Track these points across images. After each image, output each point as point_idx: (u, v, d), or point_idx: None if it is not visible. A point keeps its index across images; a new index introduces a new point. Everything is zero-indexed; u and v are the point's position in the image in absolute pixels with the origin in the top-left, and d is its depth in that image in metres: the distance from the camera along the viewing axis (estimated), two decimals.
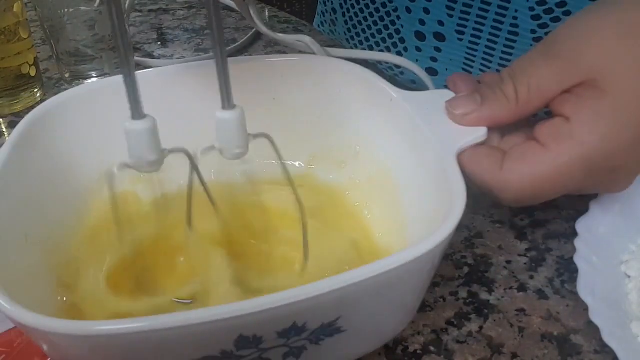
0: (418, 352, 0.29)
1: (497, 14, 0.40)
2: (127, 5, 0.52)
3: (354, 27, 0.52)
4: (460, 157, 0.29)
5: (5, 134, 0.48)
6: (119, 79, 0.34)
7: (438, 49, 0.45)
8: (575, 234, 0.32)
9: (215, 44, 0.25)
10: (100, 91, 0.34)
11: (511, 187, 0.29)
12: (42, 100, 0.48)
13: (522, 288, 0.33)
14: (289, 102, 0.36)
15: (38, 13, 0.50)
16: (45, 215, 0.30)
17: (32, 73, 0.50)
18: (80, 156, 0.33)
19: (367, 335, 0.27)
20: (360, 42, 0.52)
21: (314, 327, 0.22)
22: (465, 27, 0.43)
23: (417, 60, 0.47)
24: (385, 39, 0.49)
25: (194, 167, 0.28)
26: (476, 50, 0.43)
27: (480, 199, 0.31)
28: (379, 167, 0.34)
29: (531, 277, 0.34)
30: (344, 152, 0.36)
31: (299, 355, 0.24)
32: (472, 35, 0.43)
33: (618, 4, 0.29)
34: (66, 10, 0.49)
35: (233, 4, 0.41)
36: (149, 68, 0.35)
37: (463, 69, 0.45)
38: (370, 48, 0.51)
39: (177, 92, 0.35)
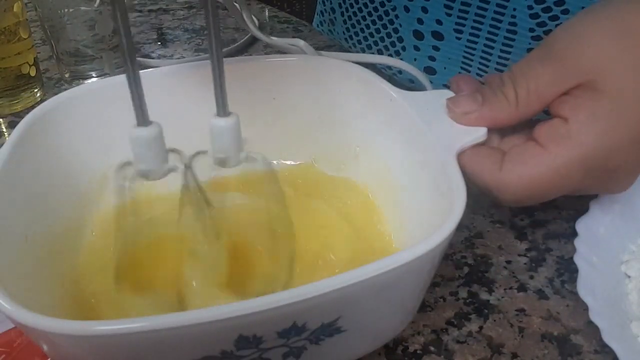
0: (418, 352, 0.29)
1: (495, 12, 0.40)
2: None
3: (353, 26, 0.52)
4: (460, 157, 0.29)
5: (5, 134, 0.48)
6: (119, 79, 0.34)
7: (436, 48, 0.45)
8: (575, 234, 0.32)
9: (212, 52, 0.25)
10: (100, 91, 0.34)
11: (510, 188, 0.29)
12: (42, 100, 0.48)
13: (522, 288, 0.33)
14: (289, 102, 0.36)
15: (38, 13, 0.50)
16: (45, 215, 0.30)
17: (32, 73, 0.50)
18: (80, 156, 0.33)
19: (367, 335, 0.27)
20: (359, 42, 0.52)
21: (314, 327, 0.22)
22: (464, 26, 0.43)
23: (415, 59, 0.47)
24: (383, 37, 0.49)
25: (190, 172, 0.28)
26: (474, 49, 0.43)
27: (480, 199, 0.31)
28: (378, 167, 0.34)
29: (531, 277, 0.34)
30: (344, 152, 0.36)
31: (299, 355, 0.24)
32: (471, 34, 0.43)
33: (614, 4, 0.29)
34: (66, 10, 0.49)
35: (235, 4, 0.41)
36: (149, 68, 0.35)
37: (461, 68, 0.45)
38: (369, 47, 0.51)
39: (177, 93, 0.35)
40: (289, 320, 0.21)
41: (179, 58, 0.60)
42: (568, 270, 0.34)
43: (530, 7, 0.39)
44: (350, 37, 0.52)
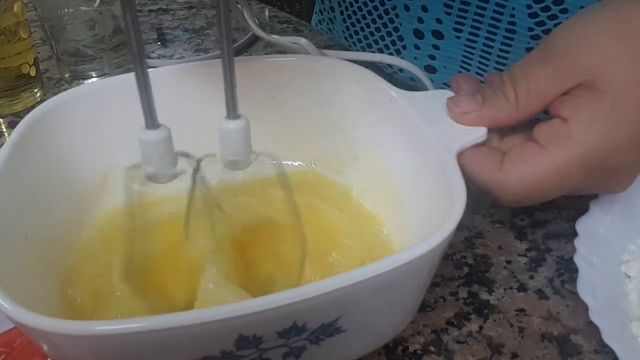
0: (418, 352, 0.29)
1: (494, 11, 0.41)
2: None
3: (352, 25, 0.52)
4: (460, 158, 0.29)
5: (5, 134, 0.48)
6: (119, 79, 0.34)
7: (436, 47, 0.45)
8: (575, 234, 0.32)
9: (224, 54, 0.25)
10: (100, 91, 0.34)
11: (510, 188, 0.29)
12: (42, 100, 0.48)
13: (522, 288, 0.33)
14: (289, 101, 0.36)
15: (38, 13, 0.50)
16: (45, 215, 0.30)
17: (32, 73, 0.50)
18: (80, 156, 0.33)
19: (367, 335, 0.27)
20: (359, 40, 0.52)
21: (314, 327, 0.22)
22: (463, 24, 0.43)
23: (415, 58, 0.47)
24: (383, 37, 0.49)
25: (198, 174, 0.28)
26: (474, 48, 0.43)
27: (480, 199, 0.31)
28: (378, 167, 0.34)
29: (531, 277, 0.34)
30: (344, 152, 0.36)
31: (299, 355, 0.24)
32: (470, 33, 0.43)
33: (614, 4, 0.29)
34: (66, 10, 0.49)
35: (237, 4, 0.41)
36: (149, 68, 0.35)
37: (461, 67, 0.45)
38: (369, 46, 0.51)
39: (178, 93, 0.35)
40: (289, 320, 0.21)
41: (179, 58, 0.60)
42: (568, 270, 0.34)
43: (529, 7, 0.39)
44: (350, 35, 0.52)
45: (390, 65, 0.50)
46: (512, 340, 0.30)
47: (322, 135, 0.37)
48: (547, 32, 0.39)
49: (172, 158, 0.25)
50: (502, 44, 0.41)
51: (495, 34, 0.41)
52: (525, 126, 0.31)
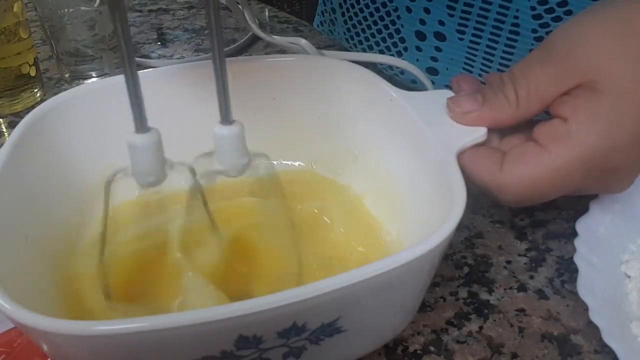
0: (418, 352, 0.29)
1: (498, 13, 0.40)
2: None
3: (354, 26, 0.52)
4: (460, 158, 0.29)
5: (5, 134, 0.48)
6: (119, 79, 0.34)
7: (438, 49, 0.45)
8: (575, 234, 0.32)
9: (216, 60, 0.24)
10: (100, 91, 0.34)
11: (510, 188, 0.29)
12: (42, 100, 0.48)
13: (522, 288, 0.33)
14: (289, 102, 0.36)
15: (38, 13, 0.50)
16: (45, 215, 0.30)
17: (32, 73, 0.50)
18: (80, 156, 0.33)
19: (367, 335, 0.27)
20: (360, 42, 0.52)
21: (314, 327, 0.22)
22: (466, 26, 0.43)
23: (417, 60, 0.47)
24: (385, 38, 0.49)
25: (192, 176, 0.27)
26: (477, 50, 0.43)
27: (480, 199, 0.31)
28: (378, 167, 0.34)
29: (531, 277, 0.34)
30: (344, 152, 0.36)
31: (299, 355, 0.24)
32: (473, 35, 0.43)
33: (614, 4, 0.29)
34: (66, 10, 0.49)
35: (237, 4, 0.41)
36: (149, 68, 0.35)
37: (464, 69, 0.45)
38: (370, 48, 0.51)
39: (178, 93, 0.35)
40: (289, 320, 0.21)
41: (179, 58, 0.60)
42: (568, 270, 0.34)
43: (533, 8, 0.39)
44: (352, 37, 0.52)
45: (391, 67, 0.50)
46: (512, 340, 0.30)
47: (322, 135, 0.37)
48: None
49: (162, 161, 0.25)
50: (506, 45, 0.41)
51: (498, 35, 0.41)
52: (525, 126, 0.31)
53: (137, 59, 0.57)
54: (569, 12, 0.38)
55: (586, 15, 0.30)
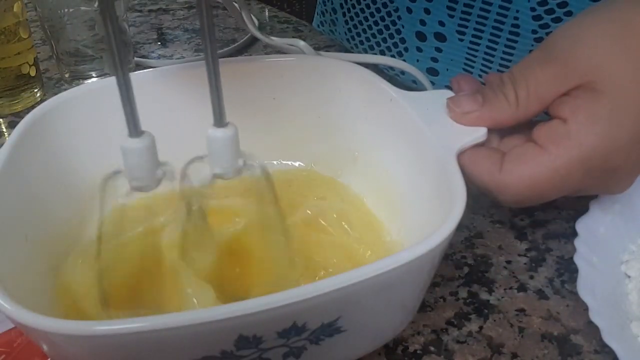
0: (418, 352, 0.29)
1: (498, 14, 0.40)
2: (122, 6, 0.51)
3: (355, 27, 0.52)
4: (460, 158, 0.29)
5: (5, 134, 0.48)
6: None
7: (439, 50, 0.45)
8: (575, 234, 0.32)
9: (209, 62, 0.24)
10: (100, 91, 0.34)
11: (510, 189, 0.29)
12: (42, 100, 0.48)
13: (522, 288, 0.33)
14: (289, 102, 0.36)
15: (38, 13, 0.50)
16: (45, 215, 0.30)
17: (32, 73, 0.50)
18: (80, 156, 0.33)
19: (367, 335, 0.27)
20: (361, 42, 0.52)
21: (314, 327, 0.22)
22: (466, 27, 0.43)
23: (417, 61, 0.47)
24: (386, 39, 0.49)
25: (186, 180, 0.27)
26: (477, 51, 0.43)
27: (480, 199, 0.31)
28: (378, 167, 0.34)
29: (531, 277, 0.34)
30: (344, 151, 0.36)
31: (299, 355, 0.24)
32: (473, 36, 0.43)
33: (614, 5, 0.29)
34: (66, 10, 0.49)
35: (234, 4, 0.41)
36: (149, 68, 0.35)
37: (464, 69, 0.45)
38: (371, 48, 0.51)
39: (178, 93, 0.35)
40: (289, 320, 0.21)
41: (179, 58, 0.60)
42: (568, 270, 0.34)
43: (533, 9, 0.39)
44: (352, 37, 0.52)
45: (392, 68, 0.50)
46: (512, 340, 0.30)
47: (322, 135, 0.37)
48: None
49: (156, 165, 0.25)
50: (506, 46, 0.41)
51: (498, 36, 0.41)
52: (525, 127, 0.31)
53: (137, 59, 0.57)
54: (569, 13, 0.38)
55: (586, 16, 0.30)
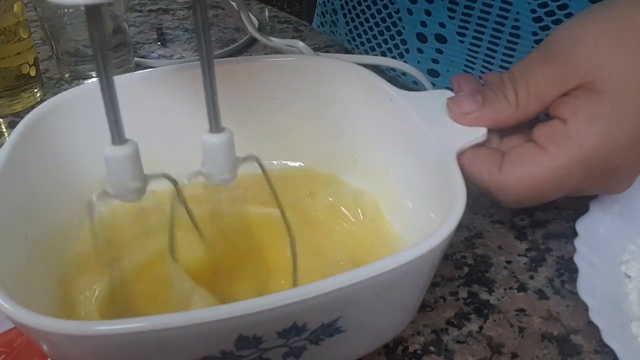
0: (418, 352, 0.29)
1: (498, 16, 0.40)
2: (122, 6, 0.51)
3: (355, 28, 0.52)
4: (460, 158, 0.29)
5: (5, 134, 0.48)
6: (118, 79, 0.34)
7: (439, 51, 0.45)
8: (575, 234, 0.32)
9: (204, 67, 0.24)
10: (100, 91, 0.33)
11: (510, 189, 0.29)
12: (42, 100, 0.48)
13: (522, 288, 0.33)
14: (289, 102, 0.36)
15: (38, 13, 0.50)
16: (45, 215, 0.30)
17: (32, 73, 0.50)
18: (80, 156, 0.33)
19: (367, 335, 0.27)
20: (362, 44, 0.52)
21: (314, 327, 0.22)
22: (467, 29, 0.43)
23: (418, 62, 0.47)
24: (386, 40, 0.49)
25: (179, 196, 0.27)
26: (477, 52, 0.43)
27: (480, 199, 0.31)
28: (378, 167, 0.34)
29: (531, 277, 0.34)
30: (344, 151, 0.36)
31: (299, 355, 0.24)
32: (474, 37, 0.43)
33: (614, 5, 0.29)
34: (66, 10, 0.49)
35: (233, 4, 0.41)
36: (149, 68, 0.35)
37: (464, 71, 0.45)
38: (372, 49, 0.51)
39: (177, 93, 0.35)
40: (289, 320, 0.21)
41: (179, 58, 0.60)
42: (568, 270, 0.34)
43: (533, 11, 0.39)
44: (353, 38, 0.53)
45: (393, 69, 0.50)
46: (512, 340, 0.30)
47: (322, 135, 0.37)
48: None
49: (140, 175, 0.24)
50: (506, 48, 0.41)
51: (499, 38, 0.41)
52: (525, 127, 0.31)
53: (137, 59, 0.57)
54: (569, 15, 0.38)
55: (585, 16, 0.30)
